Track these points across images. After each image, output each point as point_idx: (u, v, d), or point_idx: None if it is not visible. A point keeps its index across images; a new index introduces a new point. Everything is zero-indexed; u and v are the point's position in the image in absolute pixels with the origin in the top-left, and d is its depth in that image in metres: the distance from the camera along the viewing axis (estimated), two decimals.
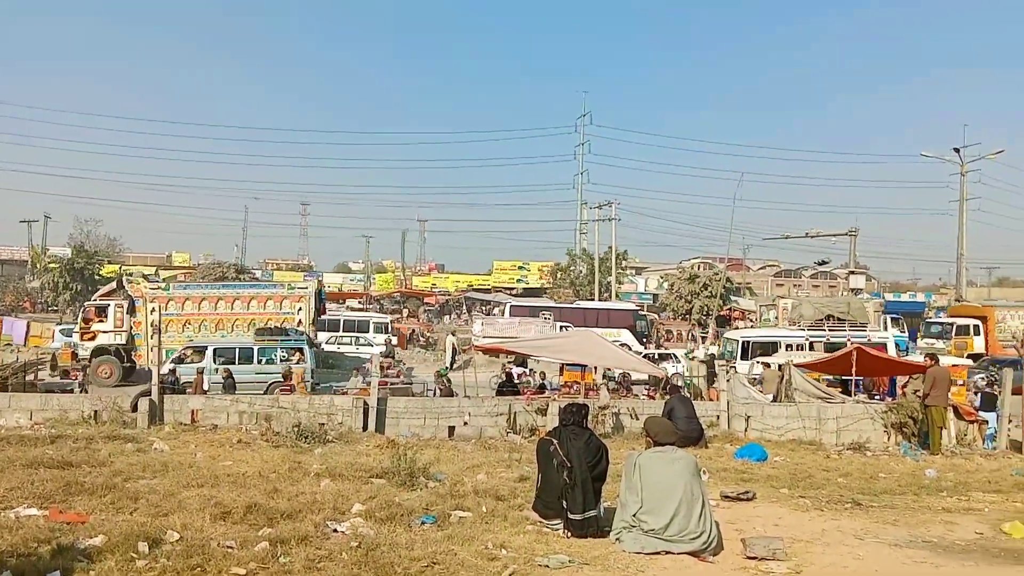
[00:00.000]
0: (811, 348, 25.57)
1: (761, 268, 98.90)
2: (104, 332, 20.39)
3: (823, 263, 54.66)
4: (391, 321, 43.13)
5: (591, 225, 65.28)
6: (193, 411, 15.90)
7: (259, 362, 22.70)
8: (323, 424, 14.81)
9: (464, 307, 68.52)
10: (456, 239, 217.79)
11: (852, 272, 43.54)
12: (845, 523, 8.44)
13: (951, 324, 39.19)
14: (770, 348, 26.29)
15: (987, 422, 16.74)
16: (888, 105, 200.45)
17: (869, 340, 24.80)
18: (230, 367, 20.98)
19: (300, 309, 27.89)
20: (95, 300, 22.14)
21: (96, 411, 15.47)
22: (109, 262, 62.77)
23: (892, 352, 25.12)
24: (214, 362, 21.89)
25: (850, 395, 18.28)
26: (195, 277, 61.35)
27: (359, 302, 67.90)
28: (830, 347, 24.66)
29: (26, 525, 6.81)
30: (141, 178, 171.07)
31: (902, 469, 12.73)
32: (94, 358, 19.92)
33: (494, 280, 79.10)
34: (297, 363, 21.93)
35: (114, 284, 22.48)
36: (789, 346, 25.97)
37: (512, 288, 76.00)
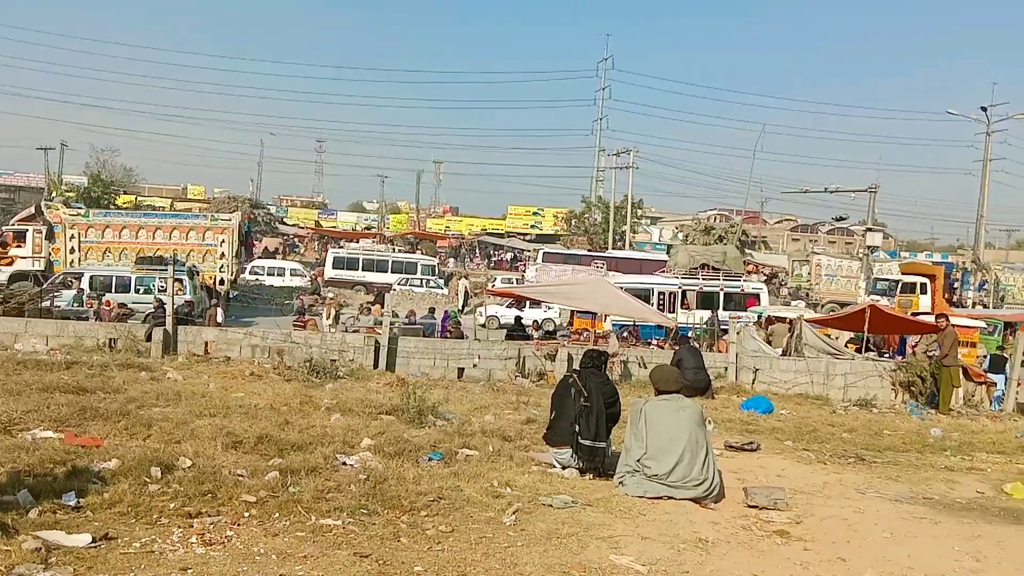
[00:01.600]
0: (683, 296, 25.23)
1: (778, 222, 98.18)
2: (22, 257, 20.10)
3: (841, 219, 54.06)
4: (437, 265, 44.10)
5: (608, 173, 64.86)
6: (207, 343, 16.07)
7: (136, 291, 22.33)
8: (335, 360, 14.96)
9: (476, 251, 68.52)
10: (471, 182, 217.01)
11: (869, 229, 43.08)
12: (847, 477, 8.52)
13: (897, 281, 38.70)
14: (643, 295, 25.05)
15: (995, 384, 16.76)
16: (916, 61, 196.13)
17: (742, 291, 24.76)
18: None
19: (223, 242, 27.56)
20: (13, 225, 21.83)
21: (111, 339, 15.67)
22: (125, 192, 62.96)
23: (765, 302, 24.80)
24: (90, 289, 21.56)
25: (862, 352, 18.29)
26: (211, 210, 61.53)
27: (372, 241, 68.07)
28: (703, 296, 24.62)
29: (42, 447, 6.95)
30: (159, 109, 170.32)
31: (907, 427, 12.80)
32: (11, 284, 19.64)
33: (508, 224, 78.82)
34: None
35: (32, 209, 22.20)
36: (661, 293, 25.43)
37: (526, 234, 75.79)
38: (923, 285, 36.77)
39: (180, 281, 22.16)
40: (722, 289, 24.85)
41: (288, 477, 6.45)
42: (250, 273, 37.15)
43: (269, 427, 8.50)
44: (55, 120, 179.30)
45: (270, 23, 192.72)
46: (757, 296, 25.43)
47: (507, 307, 27.52)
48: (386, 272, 40.50)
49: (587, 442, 7.39)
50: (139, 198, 66.65)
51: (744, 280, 26.47)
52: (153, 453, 6.90)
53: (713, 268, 26.98)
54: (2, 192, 71.90)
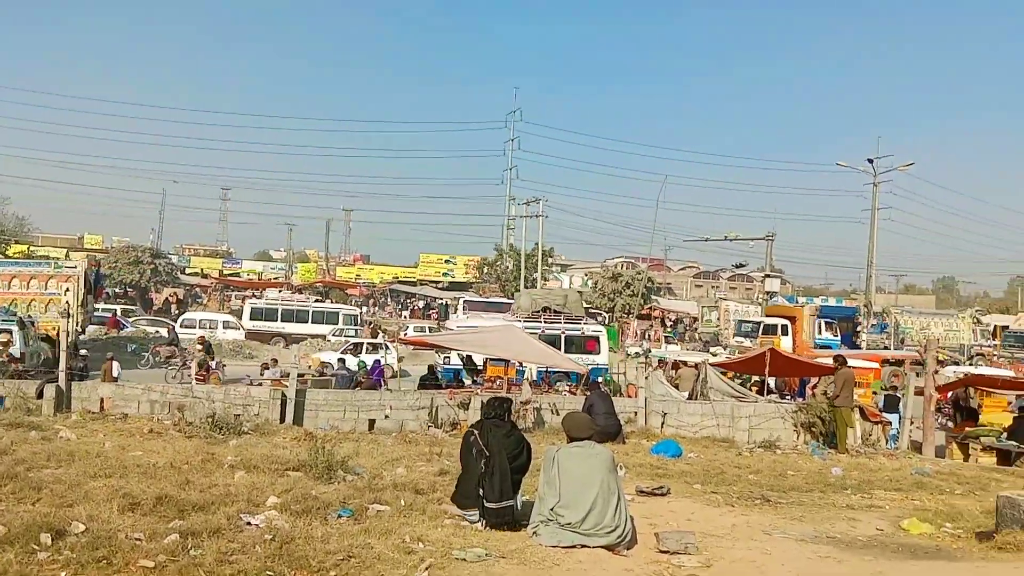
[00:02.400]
0: None
1: (682, 269, 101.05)
2: None
3: (740, 266, 56.13)
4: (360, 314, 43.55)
5: (519, 221, 65.65)
6: (103, 399, 15.35)
7: None
8: (239, 415, 14.50)
9: (388, 299, 67.95)
10: (383, 230, 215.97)
11: (768, 275, 44.89)
12: (755, 518, 8.71)
13: (759, 323, 40.39)
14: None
15: (891, 423, 17.52)
16: (808, 114, 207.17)
17: (583, 333, 25.25)
18: None
19: (67, 290, 26.72)
20: None
21: None
22: (16, 242, 60.06)
23: (604, 346, 25.44)
24: None
25: (763, 395, 18.87)
26: (108, 260, 59.18)
27: (279, 291, 66.64)
28: (545, 339, 24.14)
29: None
30: (53, 156, 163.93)
31: (810, 467, 13.20)
32: None
33: (420, 272, 78.59)
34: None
35: None
36: None
37: (438, 281, 75.68)
38: (784, 327, 38.20)
39: (9, 332, 21.40)
40: (563, 332, 24.65)
41: (189, 540, 6.17)
42: (181, 326, 35.91)
43: (169, 487, 8.14)
44: None
45: (175, 68, 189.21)
46: (597, 339, 25.23)
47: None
48: (306, 323, 39.75)
49: (492, 505, 7.28)
50: (31, 248, 63.59)
51: (584, 323, 26.26)
52: (43, 518, 6.49)
53: (555, 311, 26.88)
54: None
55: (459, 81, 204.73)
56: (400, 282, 74.28)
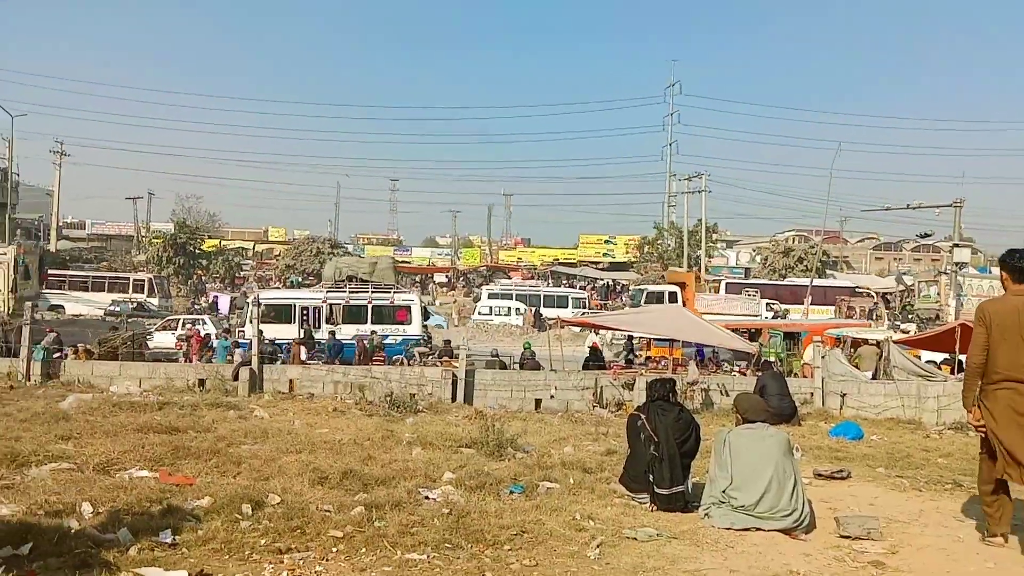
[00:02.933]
0: (330, 311, 23.63)
1: (860, 241, 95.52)
2: None
3: (926, 235, 52.18)
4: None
5: (680, 197, 64.38)
6: (291, 380, 16.49)
7: None
8: (414, 395, 15.16)
9: (549, 281, 68.56)
10: (542, 213, 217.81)
11: (956, 245, 41.48)
12: (945, 504, 8.15)
13: (642, 290, 36.82)
14: (284, 310, 24.04)
15: None
16: (995, 70, 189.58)
17: (392, 303, 23.47)
18: None
19: None
20: None
21: (200, 379, 16.21)
22: (209, 237, 65.33)
23: (416, 315, 23.67)
24: None
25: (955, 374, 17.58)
26: (291, 251, 63.30)
27: (447, 276, 68.87)
28: (351, 309, 23.22)
29: (139, 486, 7.23)
30: (239, 155, 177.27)
31: None
32: None
33: (580, 254, 78.82)
34: None
35: None
36: (304, 308, 23.74)
37: (598, 262, 75.64)
38: (672, 294, 35.01)
39: None
40: (370, 302, 23.44)
41: (373, 512, 6.54)
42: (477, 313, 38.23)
43: (353, 462, 8.64)
44: (142, 170, 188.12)
45: (343, 69, 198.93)
46: (408, 309, 23.91)
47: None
48: (538, 306, 41.38)
49: (663, 491, 7.22)
50: (223, 242, 69.08)
51: (395, 292, 24.82)
52: (243, 490, 7.07)
53: (362, 280, 25.59)
54: (95, 240, 75.61)
55: (615, 57, 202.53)
56: (560, 264, 74.79)
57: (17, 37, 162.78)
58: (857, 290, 43.83)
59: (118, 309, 35.98)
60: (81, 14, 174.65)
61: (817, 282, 45.47)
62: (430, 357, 20.57)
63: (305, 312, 23.51)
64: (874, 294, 46.93)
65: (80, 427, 10.44)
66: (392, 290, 25.20)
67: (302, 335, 21.95)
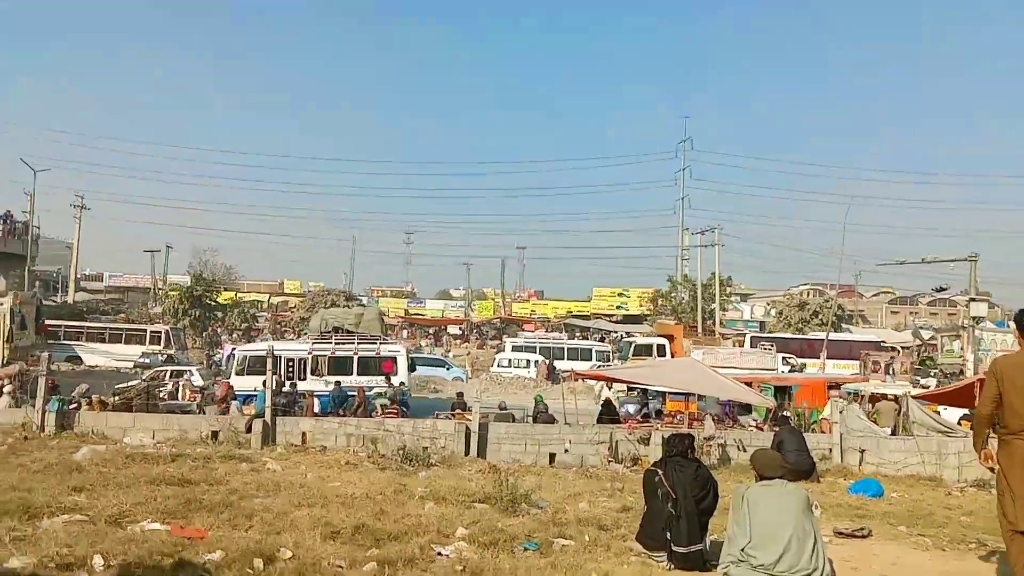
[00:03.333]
0: (316, 362, 23.29)
1: (875, 295, 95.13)
2: None
3: (942, 289, 51.95)
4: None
5: (693, 251, 64.46)
6: (304, 433, 16.42)
7: None
8: (426, 448, 15.05)
9: (563, 334, 68.36)
10: (556, 266, 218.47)
11: (973, 299, 41.17)
12: (969, 565, 7.96)
13: (630, 343, 36.23)
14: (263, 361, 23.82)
15: None
16: (1007, 121, 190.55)
17: (378, 354, 23.11)
18: None
19: None
20: None
21: (213, 431, 16.18)
22: (225, 289, 65.78)
23: (403, 367, 23.51)
24: None
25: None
26: (306, 303, 63.60)
27: (460, 328, 68.90)
28: (336, 361, 22.89)
29: (151, 539, 7.17)
30: (255, 209, 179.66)
31: None
32: None
33: (593, 307, 78.74)
34: None
35: None
36: (290, 360, 23.26)
37: (612, 315, 75.49)
38: (660, 346, 34.52)
39: None
40: (356, 353, 23.09)
41: (385, 568, 6.46)
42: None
43: (365, 517, 8.56)
44: (160, 223, 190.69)
45: (351, 123, 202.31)
46: (394, 360, 23.53)
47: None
48: (562, 359, 41.11)
49: (681, 549, 7.10)
50: (239, 294, 69.52)
51: (380, 343, 24.40)
52: (255, 544, 7.01)
53: (348, 331, 25.16)
54: (112, 292, 76.29)
55: (627, 112, 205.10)
56: (574, 316, 74.68)
57: (40, 94, 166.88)
58: (882, 344, 43.45)
59: (147, 361, 36.20)
60: (100, 71, 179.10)
61: (843, 336, 45.31)
62: (388, 402, 20.41)
63: (290, 363, 23.24)
64: (899, 348, 46.50)
65: (93, 479, 10.42)
66: (378, 341, 24.99)
67: (276, 386, 21.87)
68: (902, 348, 48.11)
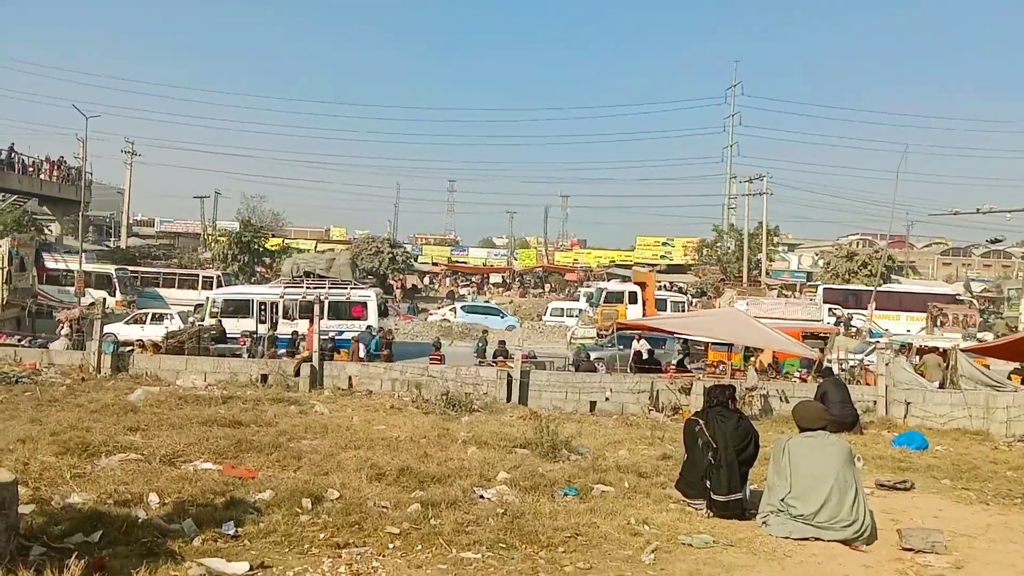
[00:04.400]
0: (287, 306, 23.45)
1: (927, 246, 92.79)
2: None
3: (996, 241, 50.39)
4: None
5: (740, 200, 63.32)
6: (350, 377, 16.75)
7: None
8: (469, 394, 15.24)
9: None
10: (599, 214, 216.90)
11: None
12: (1013, 519, 7.89)
13: (601, 290, 35.25)
14: (242, 306, 23.88)
15: None
16: None
17: (348, 299, 23.13)
18: None
19: None
20: None
21: (263, 375, 16.58)
22: (273, 235, 66.55)
23: (372, 311, 23.52)
24: None
25: None
26: (351, 251, 64.20)
27: (503, 277, 69.08)
28: (306, 305, 22.47)
29: (203, 478, 7.45)
30: (303, 156, 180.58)
31: None
32: None
33: (637, 256, 78.24)
34: None
35: None
36: (263, 304, 23.66)
37: (655, 264, 74.97)
38: (632, 294, 33.56)
39: None
40: (326, 298, 22.73)
41: (429, 510, 6.62)
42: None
43: (410, 459, 8.76)
44: (209, 170, 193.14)
45: (400, 71, 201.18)
46: (364, 305, 23.57)
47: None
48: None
49: (720, 498, 7.15)
50: (286, 241, 70.37)
51: (351, 288, 24.31)
52: (303, 485, 7.24)
53: (319, 276, 25.16)
54: (163, 238, 77.81)
55: (675, 57, 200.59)
56: (617, 265, 74.31)
57: (92, 40, 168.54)
58: (958, 298, 42.55)
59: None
60: (153, 17, 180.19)
61: (915, 288, 44.59)
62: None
63: (263, 306, 23.81)
64: (972, 302, 45.41)
65: (147, 419, 10.80)
66: (349, 286, 25.29)
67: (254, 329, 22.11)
68: (972, 301, 47.05)
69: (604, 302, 35.27)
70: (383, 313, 25.72)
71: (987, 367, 17.64)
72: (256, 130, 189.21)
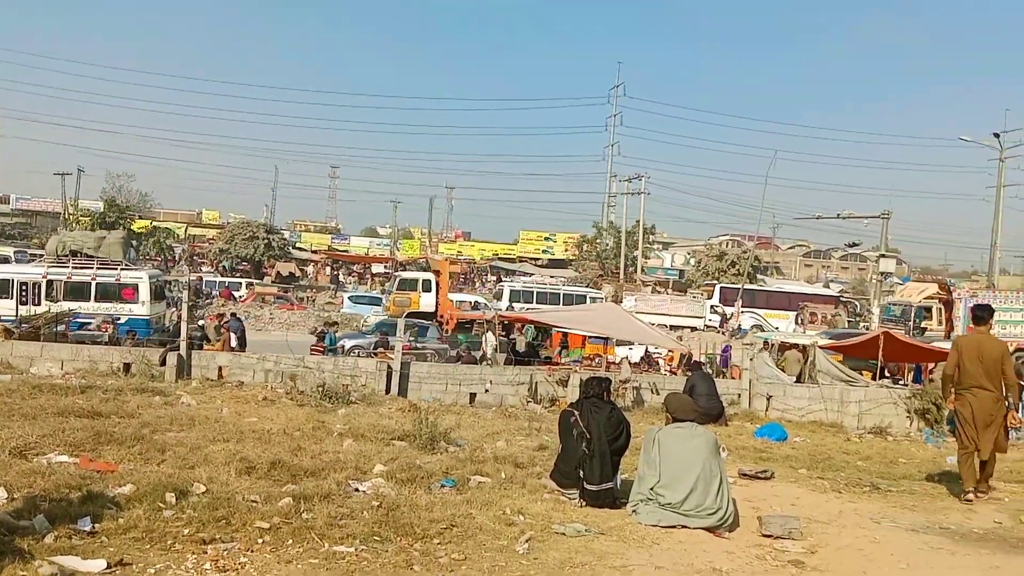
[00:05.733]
0: (49, 285, 22.74)
1: (790, 248, 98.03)
2: None
3: (853, 245, 53.76)
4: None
5: (620, 198, 65.04)
6: (220, 367, 16.13)
7: None
8: (347, 385, 14.98)
9: (488, 275, 68.60)
10: (483, 207, 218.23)
11: (883, 255, 42.89)
12: (863, 506, 8.44)
13: (396, 276, 36.77)
14: (3, 287, 22.89)
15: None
16: (928, 89, 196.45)
17: (119, 280, 22.93)
18: None
19: None
20: None
21: (126, 363, 15.75)
22: (140, 217, 63.46)
23: (144, 294, 23.20)
24: None
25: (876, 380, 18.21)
26: (225, 235, 61.95)
27: (385, 267, 68.35)
28: (73, 285, 22.44)
29: (58, 471, 6.99)
30: (173, 135, 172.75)
31: (923, 455, 12.68)
32: None
33: (520, 250, 79.09)
34: None
35: None
36: (24, 284, 22.71)
37: (538, 258, 76.00)
38: (426, 282, 34.56)
39: None
40: (94, 279, 22.57)
41: (301, 503, 6.46)
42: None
43: (282, 452, 8.51)
44: (71, 146, 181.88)
45: (284, 50, 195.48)
46: (136, 287, 23.01)
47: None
48: (558, 304, 40.35)
49: (592, 487, 7.30)
50: (154, 223, 67.18)
51: (122, 269, 23.63)
52: (167, 478, 6.92)
53: (87, 256, 24.41)
54: (20, 216, 72.76)
55: (560, 56, 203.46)
56: (500, 259, 74.88)
57: None
58: (842, 298, 45.29)
59: None
60: None
61: (794, 288, 47.10)
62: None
63: (24, 286, 22.49)
64: (842, 301, 48.26)
65: None
66: (120, 267, 24.03)
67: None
68: (847, 302, 50.01)
69: (397, 289, 34.85)
70: (158, 296, 24.35)
71: (842, 363, 18.82)
72: (125, 105, 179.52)
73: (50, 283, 22.46)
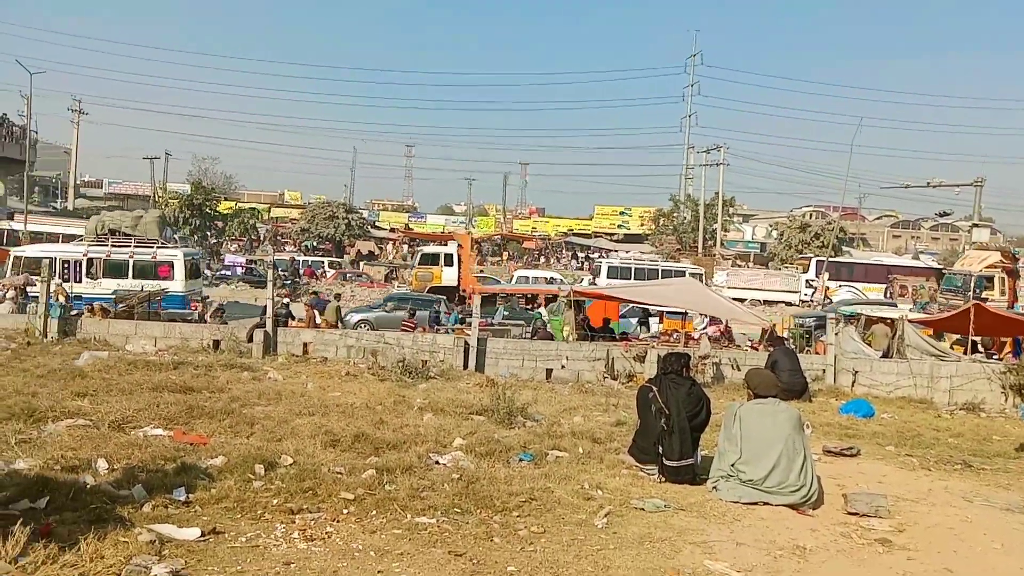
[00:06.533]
0: (90, 263, 23.02)
1: (877, 218, 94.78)
2: None
3: (945, 214, 51.59)
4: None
5: (697, 170, 63.89)
6: (305, 343, 16.58)
7: None
8: (426, 361, 15.22)
9: (563, 251, 68.43)
10: (558, 183, 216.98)
11: (976, 225, 41.10)
12: (954, 484, 8.16)
13: (418, 252, 36.02)
14: (39, 263, 22.14)
15: None
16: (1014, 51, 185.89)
17: (155, 258, 23.07)
18: None
19: None
20: None
21: (215, 340, 16.34)
22: (225, 198, 65.38)
23: (179, 271, 23.28)
24: None
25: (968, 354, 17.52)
26: (306, 215, 63.39)
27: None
28: (112, 263, 22.71)
29: (153, 444, 7.34)
30: (255, 118, 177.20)
31: (1019, 432, 12.15)
32: None
33: (595, 225, 78.56)
34: None
35: None
36: (66, 262, 22.88)
37: (613, 233, 75.39)
38: (448, 256, 33.87)
39: None
40: (132, 256, 22.79)
41: (384, 475, 6.62)
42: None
43: (365, 426, 8.72)
44: (159, 131, 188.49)
45: (359, 33, 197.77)
46: (171, 264, 23.29)
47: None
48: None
49: (672, 463, 7.26)
50: (238, 204, 69.19)
51: (158, 247, 23.83)
52: (256, 451, 7.18)
53: (125, 234, 24.53)
54: (112, 200, 75.93)
55: (636, 24, 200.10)
56: (575, 234, 74.56)
57: None
58: (943, 270, 43.92)
59: None
60: None
61: (895, 261, 45.79)
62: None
63: (66, 264, 23.05)
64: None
65: (96, 384, 10.58)
66: (156, 245, 24.56)
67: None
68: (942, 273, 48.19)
69: (419, 264, 34.86)
70: (194, 274, 25.11)
71: (932, 337, 18.15)
72: (209, 90, 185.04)
73: (90, 261, 23.28)
